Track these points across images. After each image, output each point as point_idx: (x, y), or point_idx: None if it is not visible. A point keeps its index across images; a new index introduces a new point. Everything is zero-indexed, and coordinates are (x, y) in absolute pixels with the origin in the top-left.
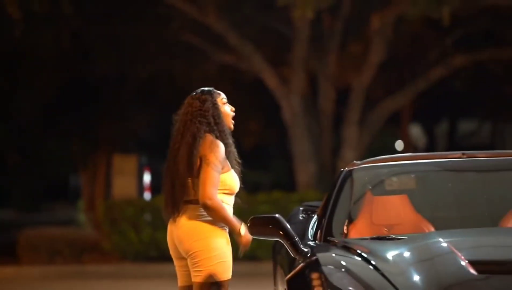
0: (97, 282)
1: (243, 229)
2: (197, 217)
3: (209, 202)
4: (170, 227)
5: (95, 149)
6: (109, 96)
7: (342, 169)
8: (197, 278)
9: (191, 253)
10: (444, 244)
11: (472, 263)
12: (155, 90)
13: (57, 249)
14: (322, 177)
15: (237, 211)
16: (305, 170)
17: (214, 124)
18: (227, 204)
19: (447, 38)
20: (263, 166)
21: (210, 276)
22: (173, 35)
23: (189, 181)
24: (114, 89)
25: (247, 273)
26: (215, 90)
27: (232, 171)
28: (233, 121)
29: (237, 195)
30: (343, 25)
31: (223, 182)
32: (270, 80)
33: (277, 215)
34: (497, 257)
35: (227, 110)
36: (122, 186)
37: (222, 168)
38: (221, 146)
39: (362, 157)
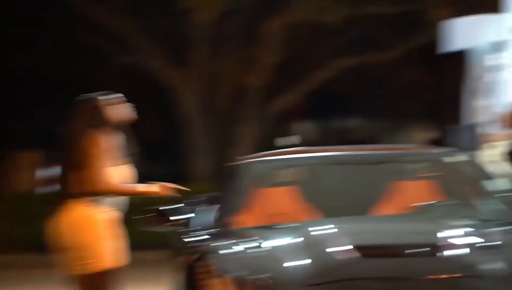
0: None
1: (155, 188)
2: (78, 211)
3: (102, 188)
4: (54, 220)
5: (1, 146)
6: (17, 96)
7: (234, 163)
8: (81, 270)
9: (73, 245)
10: (329, 231)
11: (356, 247)
12: (62, 89)
13: None
14: (219, 170)
15: (138, 202)
16: (203, 164)
17: (99, 122)
18: (109, 197)
19: (334, 41)
20: (164, 160)
21: (92, 267)
22: (77, 37)
23: (72, 175)
24: (17, 87)
25: (146, 261)
26: (106, 93)
27: (119, 166)
28: (130, 119)
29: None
30: (239, 28)
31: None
32: (170, 79)
33: (174, 206)
34: (375, 242)
35: (121, 109)
36: (21, 181)
37: (106, 162)
38: (104, 141)
39: (256, 152)
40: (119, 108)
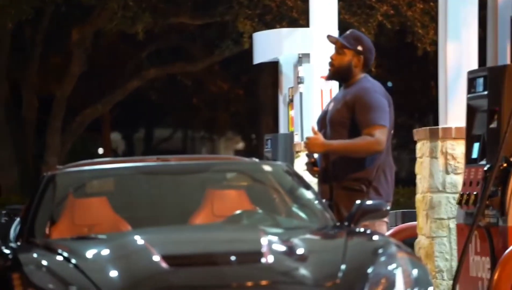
0: None
1: None
2: None
3: None
4: None
5: None
6: None
7: (44, 174)
8: None
9: None
10: (139, 242)
11: (164, 257)
12: None
13: None
14: (25, 182)
15: None
16: (8, 176)
17: None
18: None
19: (142, 52)
20: None
21: None
22: None
23: None
24: None
25: None
26: None
27: None
28: None
29: None
30: (44, 36)
31: None
32: None
33: None
34: (186, 251)
35: None
36: None
37: None
38: None
39: (65, 162)
40: None
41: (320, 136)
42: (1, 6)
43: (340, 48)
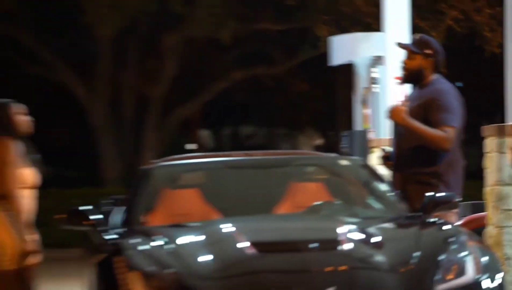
0: None
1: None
2: None
3: (11, 193)
4: None
5: None
6: None
7: (142, 167)
8: None
9: None
10: (229, 229)
11: (252, 243)
12: None
13: None
14: (127, 174)
15: (51, 205)
16: (111, 168)
17: (6, 129)
18: (22, 196)
19: (228, 56)
20: (73, 165)
21: (4, 265)
22: None
23: None
24: None
25: (61, 258)
26: (13, 102)
27: (26, 168)
28: (29, 130)
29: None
30: (141, 44)
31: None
32: (78, 90)
33: (87, 207)
34: (271, 238)
35: (24, 119)
36: None
37: (16, 165)
38: (13, 146)
39: (160, 157)
40: (23, 118)
41: (405, 110)
42: (102, 16)
43: (410, 53)
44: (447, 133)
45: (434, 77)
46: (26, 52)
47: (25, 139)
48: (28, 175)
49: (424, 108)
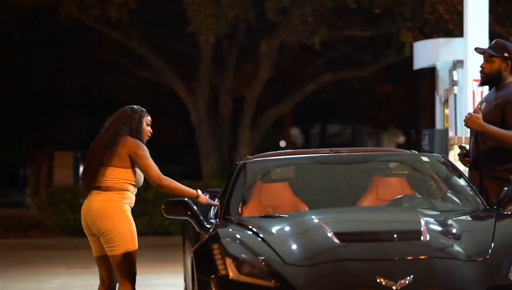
0: (42, 252)
1: (199, 193)
2: (105, 201)
3: (160, 182)
4: (83, 208)
5: (39, 146)
6: (51, 105)
7: (237, 163)
8: (111, 251)
9: (102, 231)
10: (316, 220)
11: (336, 234)
12: (88, 100)
13: (8, 226)
14: (222, 169)
15: (158, 195)
16: (209, 163)
17: (135, 131)
18: (132, 193)
19: (318, 60)
20: (175, 160)
21: (121, 249)
22: (103, 56)
23: (102, 169)
24: (55, 99)
25: (162, 245)
26: (145, 111)
27: (138, 169)
28: (148, 137)
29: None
30: (238, 48)
31: (132, 175)
32: (181, 91)
33: (186, 199)
34: (355, 229)
35: (147, 128)
36: (61, 176)
37: (134, 165)
38: (144, 145)
39: (253, 153)
40: (148, 128)
41: (480, 116)
42: (204, 24)
43: (488, 57)
44: None
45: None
46: (137, 58)
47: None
48: (138, 174)
49: (501, 109)
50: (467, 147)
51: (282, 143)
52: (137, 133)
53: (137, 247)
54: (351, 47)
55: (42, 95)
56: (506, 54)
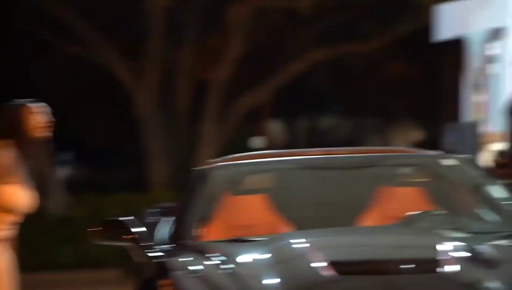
0: None
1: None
2: None
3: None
4: None
5: None
6: None
7: (198, 168)
8: None
9: None
10: (302, 245)
11: (330, 263)
12: None
13: None
14: (177, 176)
15: (84, 214)
16: (159, 169)
17: (9, 135)
18: (3, 222)
19: (307, 31)
20: (113, 165)
21: None
22: (14, 25)
23: None
24: None
25: (94, 280)
26: (23, 102)
27: (21, 187)
28: (45, 134)
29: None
30: (200, 16)
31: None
32: (122, 73)
33: (127, 218)
34: (354, 257)
35: (38, 120)
36: None
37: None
38: (5, 155)
39: (220, 154)
40: (39, 119)
41: None
42: None
43: None
44: None
45: None
46: (60, 28)
47: (43, 145)
48: (8, 193)
49: None
50: (506, 149)
51: (259, 142)
52: (15, 137)
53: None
54: (350, 12)
55: None
56: None
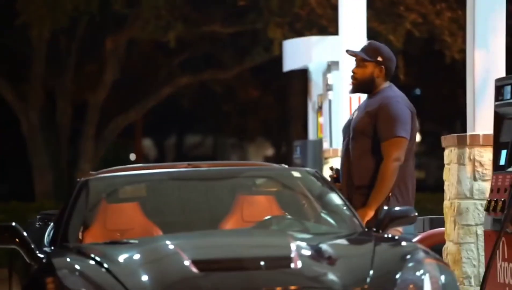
0: None
1: None
2: None
3: None
4: None
5: None
6: None
7: (78, 179)
8: None
9: None
10: (170, 246)
11: (194, 262)
12: None
13: None
14: (60, 187)
15: None
16: (43, 181)
17: None
18: None
19: (174, 60)
20: (3, 177)
21: None
22: None
23: None
24: None
25: None
26: None
27: None
28: None
29: None
30: (78, 45)
31: None
32: (8, 95)
33: (13, 224)
34: (216, 256)
35: None
36: None
37: None
38: None
39: (98, 168)
40: None
41: (366, 214)
42: (37, 16)
43: (360, 61)
44: (393, 150)
45: (386, 85)
46: None
47: None
48: None
49: (373, 117)
50: (337, 168)
51: (132, 157)
52: None
53: None
54: (211, 45)
55: None
56: (379, 58)
